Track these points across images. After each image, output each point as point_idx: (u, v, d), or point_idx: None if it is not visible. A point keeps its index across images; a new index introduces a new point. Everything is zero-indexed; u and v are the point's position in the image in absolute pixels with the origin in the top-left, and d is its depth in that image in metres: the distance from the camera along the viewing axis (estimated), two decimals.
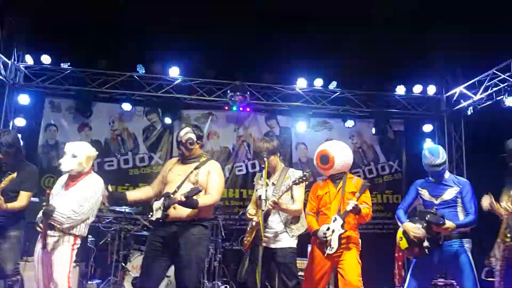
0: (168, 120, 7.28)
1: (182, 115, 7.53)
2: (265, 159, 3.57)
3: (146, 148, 7.44)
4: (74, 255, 3.44)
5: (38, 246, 3.46)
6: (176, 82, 7.12)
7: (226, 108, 7.32)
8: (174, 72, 7.07)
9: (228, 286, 5.83)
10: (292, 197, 3.53)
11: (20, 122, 6.85)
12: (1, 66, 6.62)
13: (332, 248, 3.53)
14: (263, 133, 7.71)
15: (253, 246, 3.58)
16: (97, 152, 3.71)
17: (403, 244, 3.55)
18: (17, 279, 3.68)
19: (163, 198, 3.35)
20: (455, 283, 5.72)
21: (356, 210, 3.52)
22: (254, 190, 3.90)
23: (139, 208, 6.42)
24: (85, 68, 7.01)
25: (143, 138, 7.46)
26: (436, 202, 3.58)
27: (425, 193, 3.69)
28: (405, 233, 3.55)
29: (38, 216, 3.44)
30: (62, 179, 3.62)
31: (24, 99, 6.86)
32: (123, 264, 5.74)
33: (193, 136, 3.50)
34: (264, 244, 3.48)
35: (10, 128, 6.66)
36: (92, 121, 7.31)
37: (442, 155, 3.61)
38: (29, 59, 6.91)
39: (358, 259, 3.64)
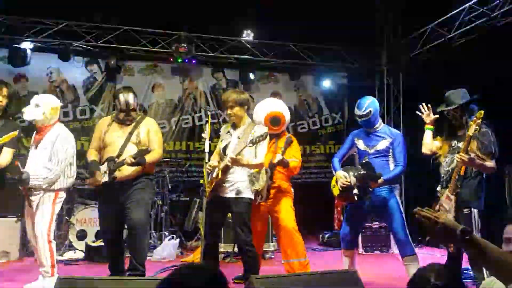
0: (111, 69, 6.92)
1: (125, 66, 7.18)
2: (229, 109, 3.52)
3: (87, 100, 7.08)
4: (56, 209, 3.59)
5: (26, 203, 3.62)
6: (118, 32, 6.70)
7: (171, 59, 7.02)
8: (115, 21, 6.61)
9: (175, 236, 5.87)
10: (255, 153, 3.47)
11: None
12: None
13: (262, 197, 3.66)
14: (209, 86, 7.55)
15: (214, 197, 3.50)
16: (61, 104, 3.80)
17: (336, 191, 3.68)
18: None
19: (107, 162, 3.44)
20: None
21: (283, 163, 3.66)
22: (219, 139, 3.77)
23: (82, 162, 6.20)
24: (20, 16, 6.40)
25: (84, 90, 7.08)
26: (370, 151, 3.68)
27: (360, 143, 3.78)
28: (337, 181, 3.65)
29: (8, 177, 3.65)
30: (33, 136, 3.71)
31: None
32: (67, 218, 5.63)
33: (137, 100, 3.65)
34: (221, 194, 3.44)
35: None
36: (28, 72, 6.82)
37: (365, 107, 3.68)
38: None
39: (292, 205, 3.83)
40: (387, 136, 3.70)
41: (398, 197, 3.70)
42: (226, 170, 3.38)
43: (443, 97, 3.53)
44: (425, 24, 6.58)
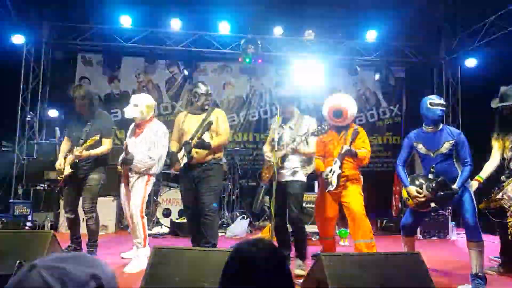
0: (187, 72, 7.23)
1: (199, 67, 7.44)
2: (283, 107, 3.67)
3: (169, 97, 7.42)
4: (148, 190, 3.80)
5: (122, 185, 3.84)
6: (194, 37, 6.96)
7: (240, 60, 7.16)
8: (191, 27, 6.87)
9: (245, 216, 6.05)
10: (306, 142, 3.57)
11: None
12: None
13: (332, 185, 3.66)
14: (274, 82, 7.61)
15: (271, 182, 3.63)
16: (155, 102, 3.97)
17: (411, 203, 3.38)
18: (91, 215, 3.85)
19: (183, 146, 3.57)
20: (446, 213, 5.80)
21: (350, 153, 3.63)
22: (271, 131, 3.89)
23: None
24: (111, 25, 6.87)
25: (166, 89, 7.43)
26: (433, 155, 3.38)
27: (421, 147, 3.45)
28: (409, 194, 3.35)
29: (119, 160, 3.78)
30: (131, 128, 3.93)
31: (58, 55, 6.89)
32: (155, 198, 5.98)
33: (210, 90, 3.76)
34: (280, 179, 3.55)
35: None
36: (120, 74, 7.29)
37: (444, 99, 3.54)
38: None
39: (360, 191, 3.73)
40: (449, 137, 3.37)
41: (471, 190, 3.37)
42: (285, 157, 3.55)
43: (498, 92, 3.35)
44: (484, 18, 6.13)
